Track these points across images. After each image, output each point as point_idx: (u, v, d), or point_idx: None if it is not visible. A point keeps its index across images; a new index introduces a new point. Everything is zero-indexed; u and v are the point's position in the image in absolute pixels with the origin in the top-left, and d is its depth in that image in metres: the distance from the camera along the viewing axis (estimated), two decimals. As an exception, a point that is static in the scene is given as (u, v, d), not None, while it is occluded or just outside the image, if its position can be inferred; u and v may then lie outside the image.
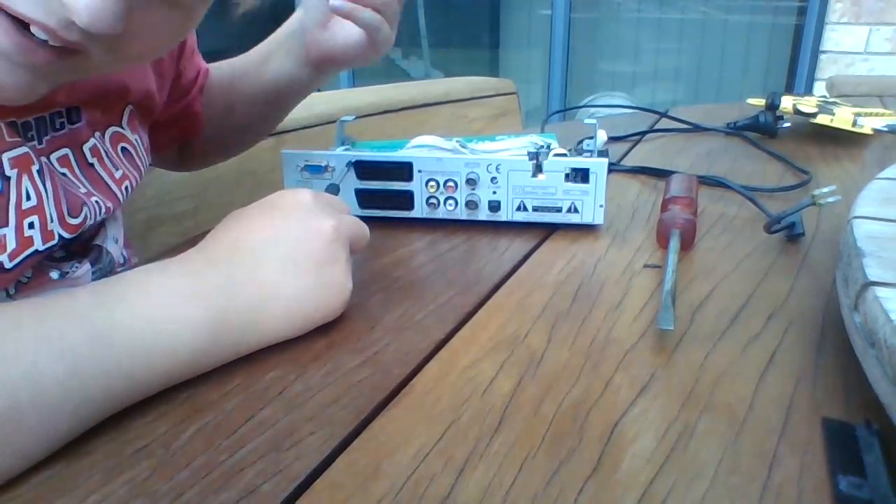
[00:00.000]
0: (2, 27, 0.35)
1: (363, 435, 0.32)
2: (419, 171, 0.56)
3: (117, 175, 0.53)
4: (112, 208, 0.52)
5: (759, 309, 0.44)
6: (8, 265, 0.42)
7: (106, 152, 0.53)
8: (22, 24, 0.35)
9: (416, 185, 0.57)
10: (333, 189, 0.53)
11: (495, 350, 0.39)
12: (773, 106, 0.91)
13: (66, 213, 0.46)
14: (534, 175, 0.56)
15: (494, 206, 0.57)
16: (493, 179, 0.56)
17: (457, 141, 0.64)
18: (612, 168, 0.75)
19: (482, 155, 0.61)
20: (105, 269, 0.53)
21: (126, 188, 0.54)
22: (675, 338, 0.40)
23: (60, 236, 0.46)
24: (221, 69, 0.72)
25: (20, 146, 0.44)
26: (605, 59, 3.36)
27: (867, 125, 0.87)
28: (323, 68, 0.66)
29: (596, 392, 0.35)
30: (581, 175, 0.55)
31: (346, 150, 0.62)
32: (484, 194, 0.57)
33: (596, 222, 0.57)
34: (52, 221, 0.45)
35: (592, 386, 0.36)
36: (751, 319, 0.42)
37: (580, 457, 0.30)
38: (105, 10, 0.34)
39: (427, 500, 0.28)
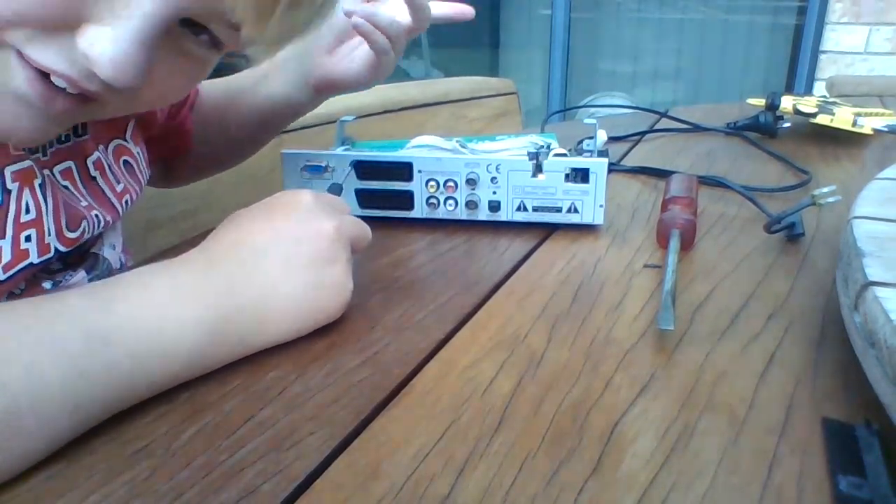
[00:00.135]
0: (25, 75, 0.36)
1: (363, 435, 0.32)
2: (419, 171, 0.56)
3: (118, 189, 0.54)
4: (111, 221, 0.52)
5: (759, 309, 0.44)
6: (1, 277, 0.42)
7: (109, 166, 0.53)
8: (43, 73, 0.36)
9: (416, 185, 0.57)
10: (336, 189, 0.53)
11: (495, 350, 0.39)
12: (773, 106, 0.91)
13: (64, 227, 0.46)
14: (534, 175, 0.56)
15: (494, 206, 0.57)
16: (493, 179, 0.56)
17: (457, 141, 0.64)
18: (612, 168, 0.75)
19: (482, 155, 0.61)
20: (102, 276, 0.52)
21: (126, 201, 0.55)
22: (675, 338, 0.40)
23: (56, 250, 0.46)
24: (216, 86, 0.72)
25: (24, 159, 0.44)
26: (605, 59, 3.36)
27: (867, 125, 0.87)
28: (324, 91, 0.66)
29: (596, 392, 0.35)
30: (581, 175, 0.55)
31: (346, 150, 0.62)
32: (484, 194, 0.57)
33: (596, 222, 0.57)
34: (49, 235, 0.45)
35: (592, 386, 0.36)
36: (751, 319, 0.42)
37: (580, 457, 0.30)
38: (128, 65, 0.35)
39: (427, 500, 0.28)
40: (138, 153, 0.57)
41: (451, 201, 0.57)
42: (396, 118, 1.12)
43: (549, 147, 0.63)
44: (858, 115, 0.89)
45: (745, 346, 0.39)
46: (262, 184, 0.89)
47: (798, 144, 0.88)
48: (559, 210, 0.56)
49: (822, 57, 2.54)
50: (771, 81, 2.97)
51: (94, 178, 0.51)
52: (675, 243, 0.50)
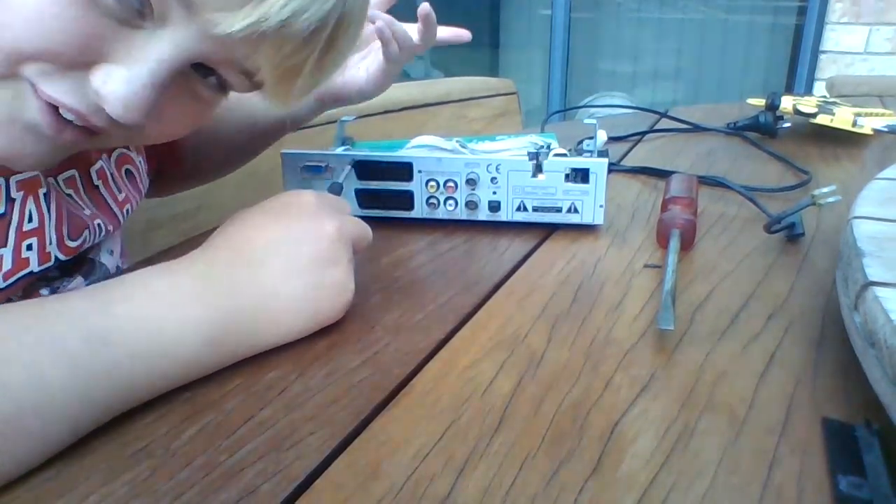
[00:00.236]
0: (37, 105, 0.36)
1: (363, 435, 0.32)
2: (419, 172, 0.56)
3: (120, 197, 0.54)
4: (112, 229, 0.52)
5: (759, 309, 0.44)
6: (1, 285, 0.43)
7: (111, 174, 0.53)
8: (54, 104, 0.37)
9: (416, 186, 0.57)
10: (336, 188, 0.53)
11: (495, 350, 0.39)
12: (773, 106, 0.91)
13: (65, 236, 0.46)
14: (534, 175, 0.56)
15: (494, 207, 0.57)
16: (493, 179, 0.56)
17: (457, 141, 0.64)
18: (612, 168, 0.75)
19: (482, 155, 0.61)
20: (99, 281, 0.53)
21: (127, 210, 0.55)
22: (675, 338, 0.40)
23: (56, 258, 0.46)
24: None
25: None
26: (605, 59, 3.36)
27: (867, 125, 0.87)
28: (328, 103, 0.67)
29: (596, 392, 0.35)
30: (581, 175, 0.55)
31: (347, 150, 0.62)
32: (484, 194, 0.57)
33: (596, 222, 0.57)
34: (50, 244, 0.45)
35: (592, 386, 0.36)
36: (751, 319, 0.42)
37: (580, 457, 0.30)
38: (137, 105, 0.36)
39: (427, 500, 0.28)
40: (140, 162, 0.57)
41: (451, 201, 0.57)
42: (396, 118, 1.12)
43: (549, 147, 0.63)
44: (858, 115, 0.89)
45: (745, 346, 0.39)
46: (262, 184, 0.89)
47: (798, 144, 0.88)
48: (559, 210, 0.56)
49: (822, 57, 2.54)
50: (771, 81, 2.97)
51: (96, 187, 0.51)
52: (675, 243, 0.50)
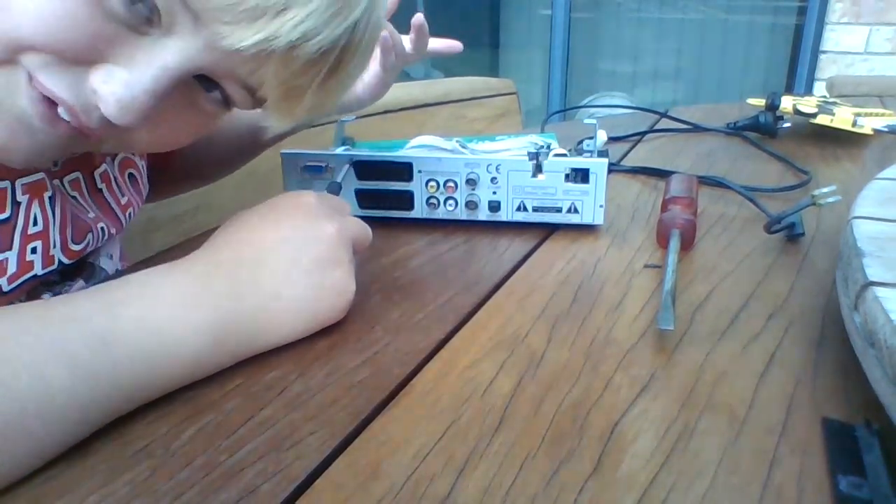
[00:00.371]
0: (29, 94, 0.36)
1: (363, 435, 0.32)
2: (419, 172, 0.56)
3: (123, 201, 0.54)
4: (115, 233, 0.52)
5: (759, 309, 0.44)
6: (6, 288, 0.43)
7: (115, 178, 0.53)
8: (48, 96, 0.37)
9: (416, 186, 0.57)
10: (335, 188, 0.53)
11: (495, 350, 0.39)
12: (773, 106, 0.91)
13: (69, 240, 0.46)
14: (534, 175, 0.56)
15: (494, 207, 0.57)
16: (493, 179, 0.56)
17: (457, 141, 0.64)
18: (612, 168, 0.75)
19: (482, 155, 0.61)
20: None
21: (129, 214, 0.55)
22: (675, 338, 0.40)
23: (60, 262, 0.46)
24: None
25: (36, 172, 0.44)
26: (605, 59, 3.36)
27: (867, 125, 0.87)
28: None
29: (596, 392, 0.35)
30: (581, 175, 0.55)
31: (346, 150, 0.62)
32: (484, 194, 0.57)
33: (596, 222, 0.57)
34: (54, 247, 0.45)
35: (592, 386, 0.36)
36: (751, 319, 0.42)
37: (580, 457, 0.30)
38: (132, 109, 0.36)
39: (427, 500, 0.28)
40: (142, 166, 0.57)
41: (451, 201, 0.57)
42: (396, 118, 1.12)
43: (549, 147, 0.63)
44: (858, 115, 0.89)
45: (745, 346, 0.39)
46: (262, 184, 0.89)
47: (798, 144, 0.88)
48: (559, 210, 0.56)
49: (822, 57, 2.54)
50: (771, 81, 2.97)
51: (100, 190, 0.51)
52: (675, 243, 0.50)
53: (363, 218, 0.45)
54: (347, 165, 0.56)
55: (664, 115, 1.03)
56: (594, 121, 0.63)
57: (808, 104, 0.92)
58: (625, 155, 0.85)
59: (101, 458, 0.30)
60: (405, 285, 0.48)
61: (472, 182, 0.56)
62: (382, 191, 0.58)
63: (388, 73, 0.63)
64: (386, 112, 1.10)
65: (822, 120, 0.88)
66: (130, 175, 0.56)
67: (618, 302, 0.45)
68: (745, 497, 0.28)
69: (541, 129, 0.86)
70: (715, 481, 0.29)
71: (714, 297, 0.45)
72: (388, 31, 0.59)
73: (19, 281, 0.43)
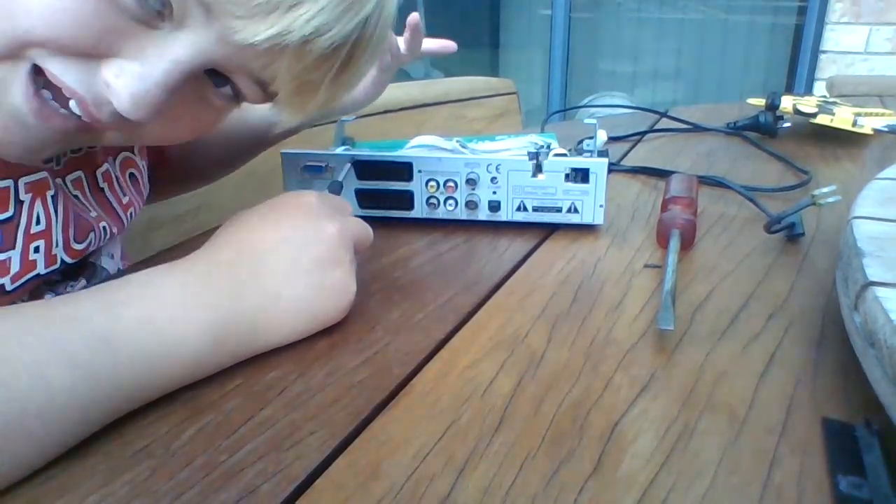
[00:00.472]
0: (23, 90, 0.36)
1: (363, 435, 0.32)
2: (419, 171, 0.56)
3: (124, 201, 0.54)
4: (116, 232, 0.52)
5: (759, 309, 0.44)
6: (9, 287, 0.42)
7: (116, 178, 0.53)
8: (42, 91, 0.36)
9: (416, 185, 0.57)
10: (336, 187, 0.53)
11: (495, 350, 0.39)
12: (773, 106, 0.91)
13: (72, 239, 0.46)
14: (534, 175, 0.56)
15: (494, 206, 0.57)
16: (493, 179, 0.56)
17: (457, 141, 0.64)
18: (612, 168, 0.75)
19: (482, 155, 0.61)
20: None
21: (131, 214, 0.55)
22: (675, 338, 0.40)
23: (62, 261, 0.46)
24: None
25: (39, 171, 0.44)
26: (605, 59, 3.35)
27: (867, 125, 0.87)
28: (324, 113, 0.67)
29: (596, 392, 0.35)
30: (581, 175, 0.55)
31: (346, 149, 0.62)
32: (484, 194, 0.57)
33: (596, 222, 0.57)
34: (56, 246, 0.45)
35: (592, 386, 0.36)
36: (751, 319, 0.42)
37: (580, 457, 0.30)
38: (146, 103, 0.36)
39: (427, 500, 0.28)
40: (143, 166, 0.57)
41: (451, 201, 0.57)
42: (396, 118, 1.12)
43: (549, 147, 0.63)
44: (858, 115, 0.89)
45: (745, 346, 0.39)
46: (262, 184, 0.89)
47: (798, 144, 0.88)
48: (559, 210, 0.56)
49: (822, 57, 2.54)
50: (771, 81, 2.97)
51: (101, 190, 0.51)
52: (675, 243, 0.50)
53: (363, 218, 0.45)
54: (348, 165, 0.56)
55: (664, 114, 1.03)
56: (594, 121, 0.63)
57: (808, 104, 0.92)
58: (625, 155, 0.85)
59: (101, 458, 0.30)
60: (405, 285, 0.48)
61: (472, 182, 0.56)
62: (382, 191, 0.58)
63: (384, 73, 0.64)
64: (386, 112, 1.10)
65: (822, 120, 0.88)
66: (131, 175, 0.56)
67: (618, 302, 0.45)
68: (745, 497, 0.28)
69: (541, 129, 0.86)
70: (715, 481, 0.29)
71: (714, 297, 0.45)
72: None
73: (22, 280, 0.43)
